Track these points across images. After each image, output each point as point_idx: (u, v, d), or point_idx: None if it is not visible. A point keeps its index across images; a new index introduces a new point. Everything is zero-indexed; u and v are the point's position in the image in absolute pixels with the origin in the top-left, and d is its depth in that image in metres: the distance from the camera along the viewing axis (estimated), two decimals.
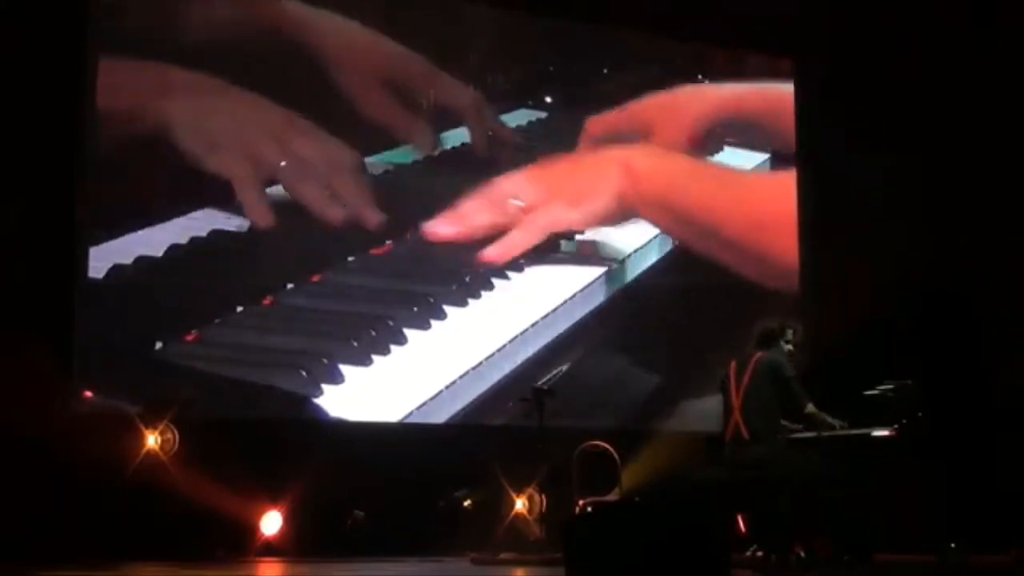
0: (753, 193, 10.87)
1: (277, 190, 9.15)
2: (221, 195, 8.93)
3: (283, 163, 9.09)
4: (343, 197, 9.28)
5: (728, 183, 10.70)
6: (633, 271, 10.25)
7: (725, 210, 10.50)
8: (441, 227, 9.55)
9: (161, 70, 8.79)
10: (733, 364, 7.12)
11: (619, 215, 10.14)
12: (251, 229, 8.99)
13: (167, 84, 8.80)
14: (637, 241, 10.32)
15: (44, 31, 8.57)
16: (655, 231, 10.40)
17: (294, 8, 9.38)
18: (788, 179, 10.95)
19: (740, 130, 10.94)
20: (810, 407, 6.89)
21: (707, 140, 10.72)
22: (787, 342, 7.23)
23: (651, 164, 10.31)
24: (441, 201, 9.73)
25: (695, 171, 10.59)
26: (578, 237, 10.08)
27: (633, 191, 10.15)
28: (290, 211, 9.16)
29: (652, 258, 10.38)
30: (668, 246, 10.49)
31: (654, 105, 10.54)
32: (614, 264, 10.11)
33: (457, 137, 9.96)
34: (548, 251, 9.91)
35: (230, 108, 8.99)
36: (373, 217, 9.32)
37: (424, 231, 9.53)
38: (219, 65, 8.94)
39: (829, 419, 6.93)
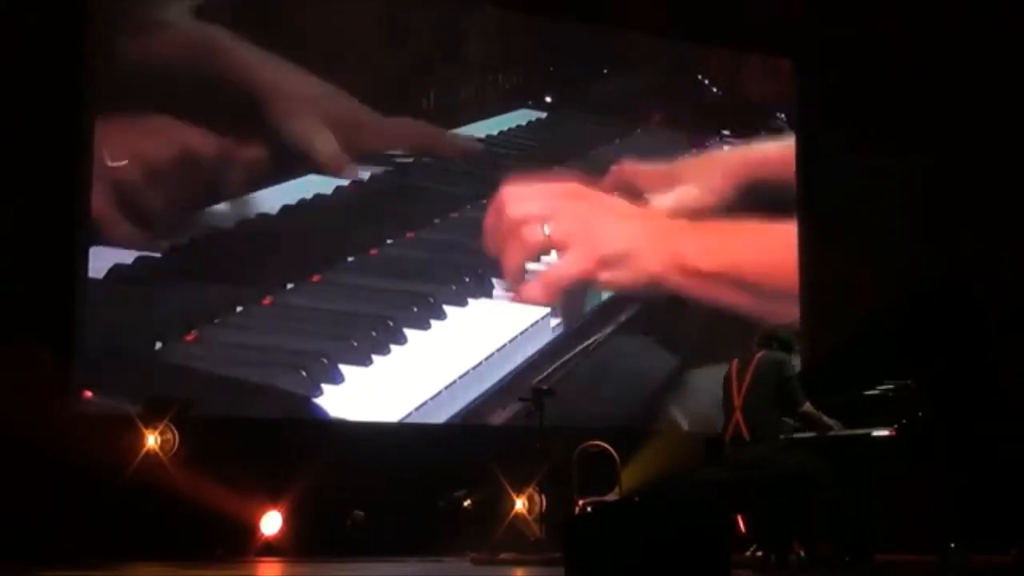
0: (776, 244, 10.77)
1: (277, 191, 9.16)
2: (222, 194, 8.94)
3: None
4: None
5: (759, 239, 10.60)
6: None
7: (756, 265, 10.47)
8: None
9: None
10: (735, 363, 7.12)
11: (651, 286, 10.09)
12: (250, 228, 9.00)
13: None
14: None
15: (44, 31, 8.57)
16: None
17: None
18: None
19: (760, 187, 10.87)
20: (807, 406, 6.90)
21: (734, 198, 10.61)
22: (792, 352, 7.24)
23: (700, 254, 10.20)
24: (441, 201, 9.74)
25: (733, 233, 10.44)
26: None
27: (672, 276, 10.12)
28: (291, 211, 9.17)
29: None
30: None
31: (686, 166, 10.51)
32: None
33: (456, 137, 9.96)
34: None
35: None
36: None
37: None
38: None
39: (825, 419, 6.92)
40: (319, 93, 9.27)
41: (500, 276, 9.56)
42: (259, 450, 8.58)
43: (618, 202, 10.12)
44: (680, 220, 10.30)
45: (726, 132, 10.91)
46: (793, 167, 10.95)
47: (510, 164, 9.98)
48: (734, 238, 10.40)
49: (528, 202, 9.76)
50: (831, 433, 6.93)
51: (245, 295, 8.81)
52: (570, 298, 9.80)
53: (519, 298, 9.52)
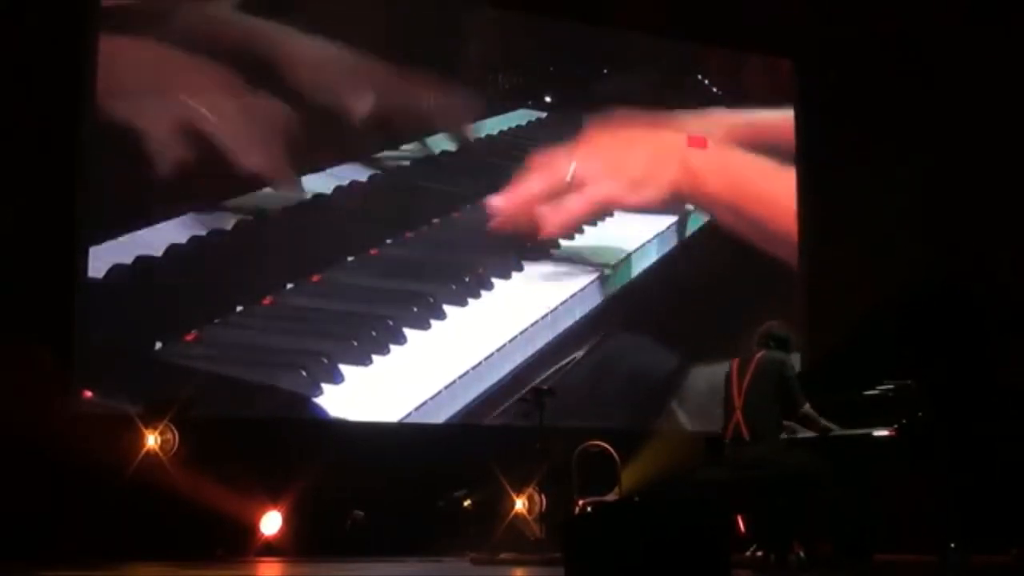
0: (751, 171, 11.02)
1: (276, 190, 9.16)
2: (219, 195, 8.94)
3: None
4: None
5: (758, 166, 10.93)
6: (633, 271, 10.26)
7: (772, 202, 10.84)
8: (500, 201, 9.74)
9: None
10: (735, 362, 7.11)
11: (671, 204, 10.45)
12: (251, 228, 9.00)
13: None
14: (637, 241, 10.32)
15: (44, 30, 8.57)
16: (655, 231, 10.41)
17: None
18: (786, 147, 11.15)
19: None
20: (806, 407, 6.89)
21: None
22: (791, 350, 7.24)
23: (710, 165, 10.57)
24: (441, 201, 9.74)
25: (751, 166, 10.82)
26: (578, 236, 10.09)
27: (689, 188, 10.51)
28: (291, 211, 9.17)
29: (652, 258, 10.38)
30: (668, 246, 10.50)
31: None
32: (614, 264, 10.11)
33: (456, 137, 9.96)
34: (548, 250, 9.92)
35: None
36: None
37: (487, 205, 9.72)
38: None
39: (823, 421, 6.92)
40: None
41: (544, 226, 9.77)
42: (259, 450, 8.58)
43: (635, 132, 10.47)
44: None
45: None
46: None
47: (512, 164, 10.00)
48: (744, 161, 10.78)
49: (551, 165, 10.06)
50: (833, 433, 6.93)
51: (245, 295, 8.81)
52: (583, 295, 9.85)
53: (554, 227, 9.84)
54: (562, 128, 10.31)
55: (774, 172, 10.97)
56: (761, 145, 10.94)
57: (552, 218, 9.87)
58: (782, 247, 10.83)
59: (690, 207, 10.57)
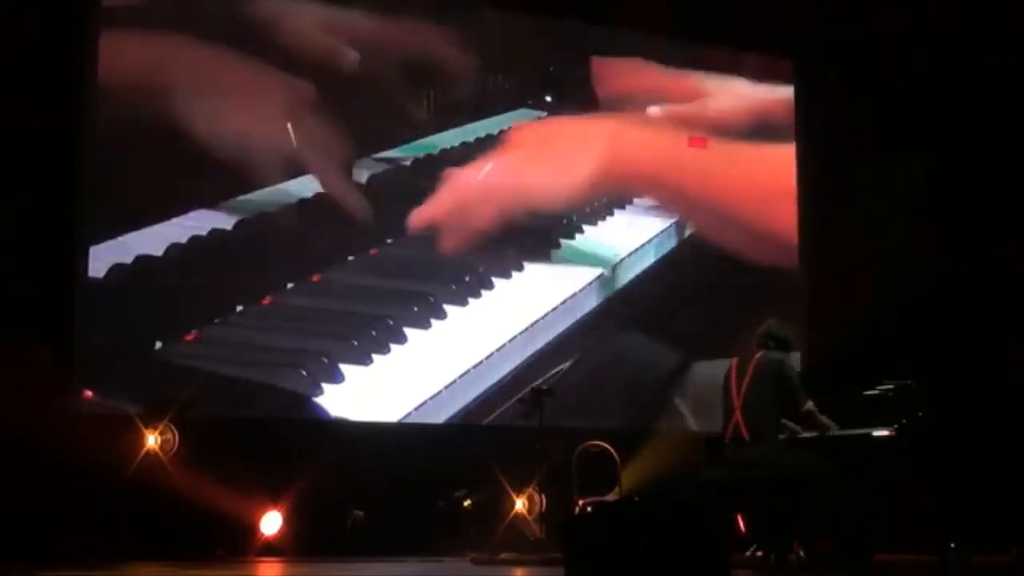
0: (752, 165, 10.83)
1: (277, 191, 9.16)
2: (220, 194, 8.94)
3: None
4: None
5: (726, 156, 10.64)
6: (633, 271, 10.25)
7: (723, 185, 10.50)
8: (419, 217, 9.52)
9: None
10: (735, 362, 7.11)
11: (604, 186, 10.11)
12: (251, 228, 9.00)
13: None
14: (637, 241, 10.32)
15: (44, 30, 8.57)
16: (655, 231, 10.40)
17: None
18: (786, 151, 10.99)
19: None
20: (809, 405, 6.89)
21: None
22: (791, 350, 7.24)
23: (641, 137, 10.30)
24: None
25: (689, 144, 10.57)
26: (579, 236, 10.09)
27: (618, 164, 10.15)
28: (291, 210, 9.17)
29: (652, 258, 10.38)
30: (668, 246, 10.50)
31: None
32: (614, 264, 10.11)
33: (456, 137, 9.96)
34: (549, 250, 9.92)
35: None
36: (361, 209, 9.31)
37: (408, 223, 9.49)
38: None
39: (825, 420, 6.92)
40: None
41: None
42: (259, 450, 8.58)
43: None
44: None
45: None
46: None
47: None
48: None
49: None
50: (831, 433, 6.94)
51: (245, 295, 8.80)
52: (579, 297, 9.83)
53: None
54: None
55: (770, 161, 10.90)
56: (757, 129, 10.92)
57: (461, 232, 9.58)
58: (779, 246, 10.80)
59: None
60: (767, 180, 10.85)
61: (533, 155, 10.00)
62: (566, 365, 9.54)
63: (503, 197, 9.75)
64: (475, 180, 9.72)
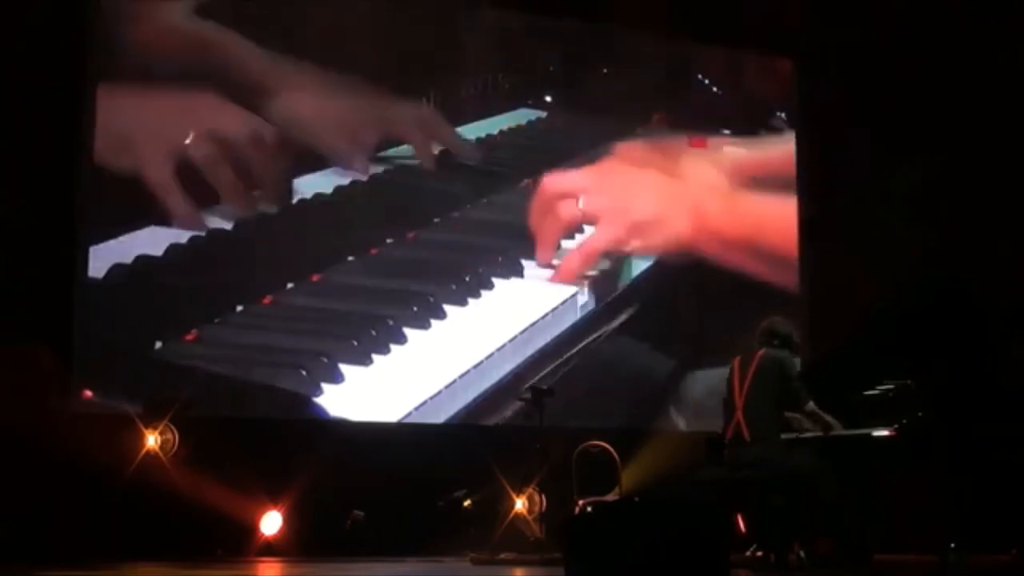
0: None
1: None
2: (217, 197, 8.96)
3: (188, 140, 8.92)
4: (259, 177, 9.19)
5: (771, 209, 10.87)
6: (634, 271, 10.25)
7: (772, 233, 10.72)
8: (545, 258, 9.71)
9: None
10: (737, 361, 7.10)
11: (675, 249, 10.31)
12: (250, 228, 9.00)
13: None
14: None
15: (44, 29, 8.57)
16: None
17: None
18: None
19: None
20: (810, 405, 6.89)
21: None
22: (793, 347, 7.22)
23: (720, 209, 10.46)
24: (441, 200, 9.74)
25: (754, 205, 10.70)
26: (579, 236, 10.08)
27: (698, 234, 10.34)
28: (291, 210, 9.17)
29: (652, 257, 10.37)
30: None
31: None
32: (615, 264, 10.11)
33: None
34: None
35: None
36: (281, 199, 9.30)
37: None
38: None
39: (828, 418, 6.92)
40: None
41: (535, 256, 9.70)
42: (259, 450, 8.58)
43: (647, 173, 10.34)
44: (707, 187, 10.54)
45: (726, 131, 10.91)
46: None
47: (512, 163, 9.99)
48: (757, 207, 10.66)
49: (563, 179, 9.99)
50: (832, 433, 6.93)
51: (245, 295, 8.80)
52: (600, 281, 9.90)
53: (557, 276, 9.67)
54: (561, 132, 10.32)
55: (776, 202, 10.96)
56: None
57: (565, 265, 9.74)
58: (782, 259, 10.82)
59: (695, 253, 10.38)
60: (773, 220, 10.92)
61: (622, 202, 10.16)
62: (566, 365, 9.54)
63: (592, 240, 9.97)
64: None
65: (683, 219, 10.31)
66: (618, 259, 10.13)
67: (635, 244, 10.11)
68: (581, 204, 9.92)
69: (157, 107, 8.81)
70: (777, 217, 10.82)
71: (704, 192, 10.50)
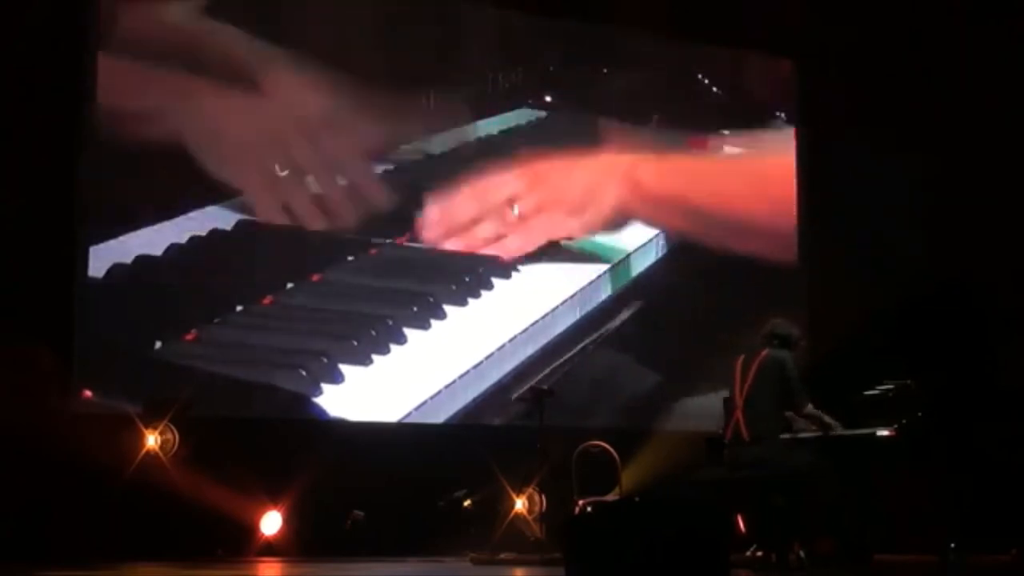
0: (755, 176, 10.91)
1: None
2: (221, 194, 8.94)
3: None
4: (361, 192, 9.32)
5: (731, 172, 10.78)
6: (633, 271, 10.25)
7: (731, 198, 10.59)
8: (438, 233, 9.56)
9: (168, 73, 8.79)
10: (739, 361, 7.10)
11: (618, 221, 10.21)
12: (251, 228, 9.00)
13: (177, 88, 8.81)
14: (637, 240, 10.32)
15: (44, 29, 8.57)
16: (655, 230, 10.41)
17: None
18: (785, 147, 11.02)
19: None
20: (809, 407, 6.89)
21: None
22: (796, 348, 7.22)
23: (654, 171, 10.37)
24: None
25: (698, 168, 10.63)
26: (579, 237, 10.09)
27: (634, 198, 10.26)
28: (291, 210, 9.17)
29: (652, 257, 10.38)
30: (669, 245, 10.49)
31: None
32: (614, 264, 10.11)
33: (455, 138, 9.95)
34: (549, 251, 9.91)
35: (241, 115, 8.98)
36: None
37: (419, 234, 9.51)
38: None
39: (827, 419, 6.92)
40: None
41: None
42: (259, 450, 8.58)
43: (575, 160, 10.28)
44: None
45: (726, 132, 10.91)
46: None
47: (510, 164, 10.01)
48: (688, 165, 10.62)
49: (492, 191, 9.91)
50: (833, 433, 6.93)
51: (245, 295, 8.80)
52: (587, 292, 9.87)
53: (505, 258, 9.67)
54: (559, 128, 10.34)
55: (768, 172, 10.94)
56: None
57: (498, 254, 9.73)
58: (781, 246, 10.81)
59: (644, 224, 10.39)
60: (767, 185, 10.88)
61: (554, 194, 10.10)
62: (566, 365, 9.54)
63: (534, 231, 9.93)
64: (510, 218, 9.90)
65: (616, 188, 10.26)
66: (618, 259, 10.12)
67: (573, 224, 10.07)
68: (516, 212, 9.89)
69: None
70: (711, 175, 10.75)
71: (635, 159, 10.44)
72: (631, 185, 10.29)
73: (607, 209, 10.19)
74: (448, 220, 9.64)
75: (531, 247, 9.82)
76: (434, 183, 9.72)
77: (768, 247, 10.69)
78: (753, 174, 10.94)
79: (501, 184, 9.91)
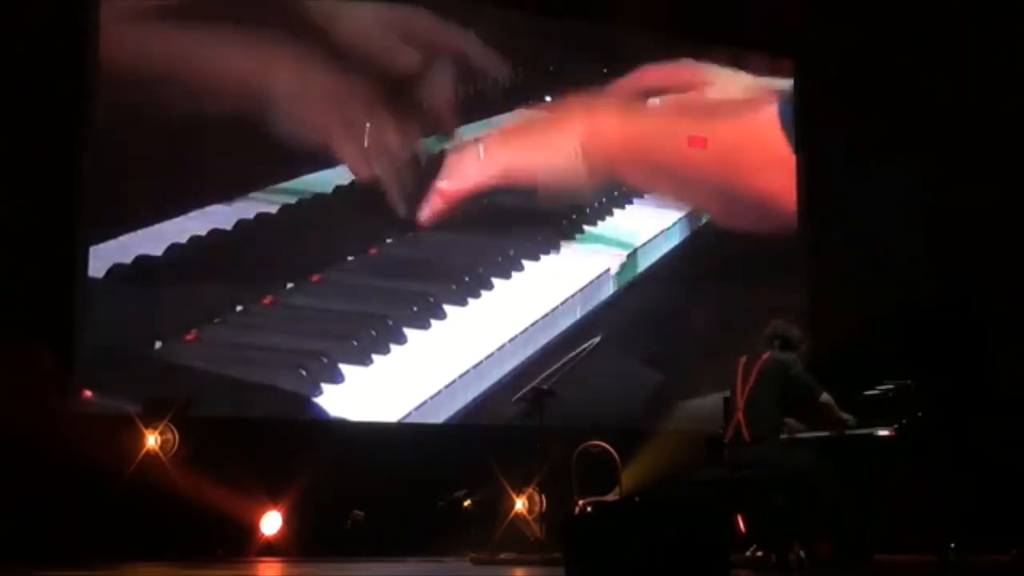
0: (740, 130, 10.84)
1: (276, 189, 9.16)
2: (221, 194, 8.94)
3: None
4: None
5: (712, 124, 10.69)
6: (633, 271, 10.26)
7: (710, 156, 10.51)
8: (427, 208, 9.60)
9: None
10: (741, 362, 7.10)
11: (585, 168, 10.13)
12: (250, 228, 9.00)
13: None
14: (637, 240, 10.32)
15: (44, 29, 8.57)
16: (655, 231, 10.40)
17: None
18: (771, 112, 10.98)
19: None
20: (825, 396, 6.87)
21: None
22: (799, 349, 7.22)
23: (616, 115, 10.33)
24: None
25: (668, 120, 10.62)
26: (579, 236, 10.09)
27: (595, 143, 10.19)
28: (291, 210, 9.17)
29: (652, 258, 10.38)
30: (668, 246, 10.49)
31: None
32: (618, 262, 10.12)
33: (455, 137, 9.95)
34: (549, 248, 9.92)
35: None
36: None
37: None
38: None
39: (839, 413, 6.89)
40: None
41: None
42: (259, 450, 8.58)
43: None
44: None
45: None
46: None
47: None
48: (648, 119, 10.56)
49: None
50: (832, 433, 6.93)
51: (245, 295, 8.80)
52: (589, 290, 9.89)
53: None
54: None
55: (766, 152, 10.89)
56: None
57: (448, 185, 9.70)
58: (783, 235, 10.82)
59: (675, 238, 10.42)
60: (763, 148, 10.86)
61: (521, 145, 10.08)
62: (567, 364, 9.53)
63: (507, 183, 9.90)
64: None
65: (576, 130, 10.20)
66: (619, 258, 10.13)
67: (535, 160, 10.02)
68: (482, 152, 9.88)
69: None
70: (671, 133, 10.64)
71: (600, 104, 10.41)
72: (592, 129, 10.22)
73: (568, 150, 10.12)
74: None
75: (488, 174, 9.76)
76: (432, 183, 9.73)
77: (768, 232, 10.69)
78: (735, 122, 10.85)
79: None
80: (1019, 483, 7.86)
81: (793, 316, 9.19)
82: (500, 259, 9.64)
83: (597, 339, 9.23)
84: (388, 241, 9.45)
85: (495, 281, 9.49)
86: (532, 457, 8.56)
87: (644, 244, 10.34)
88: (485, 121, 10.08)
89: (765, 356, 7.02)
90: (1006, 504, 7.82)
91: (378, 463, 8.80)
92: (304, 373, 8.59)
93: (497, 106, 10.15)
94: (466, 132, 9.96)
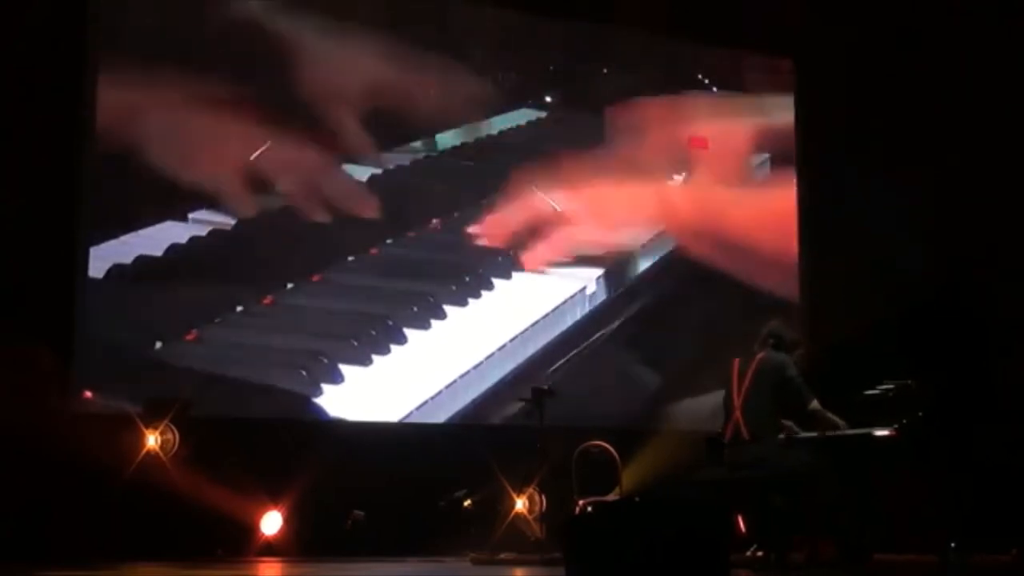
0: (777, 208, 10.95)
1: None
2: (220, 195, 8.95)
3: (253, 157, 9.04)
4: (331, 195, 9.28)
5: (761, 205, 10.86)
6: (634, 271, 10.26)
7: (759, 230, 10.67)
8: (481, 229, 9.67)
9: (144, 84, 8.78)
10: (736, 363, 7.11)
11: (655, 241, 10.35)
12: (250, 228, 9.00)
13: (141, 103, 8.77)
14: (637, 241, 10.32)
15: (44, 29, 8.57)
16: (654, 232, 10.41)
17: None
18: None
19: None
20: (814, 403, 6.88)
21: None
22: (794, 351, 7.22)
23: (691, 198, 10.49)
24: (441, 200, 9.75)
25: (733, 200, 10.69)
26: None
27: (670, 223, 10.37)
28: (291, 210, 9.17)
29: (653, 257, 10.38)
30: (669, 246, 10.49)
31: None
32: (616, 264, 10.11)
33: (456, 137, 9.96)
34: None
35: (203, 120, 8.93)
36: (367, 208, 9.34)
37: (466, 233, 9.63)
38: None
39: (832, 417, 6.91)
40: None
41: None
42: (259, 450, 8.58)
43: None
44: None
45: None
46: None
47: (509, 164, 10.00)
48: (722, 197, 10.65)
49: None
50: (832, 433, 6.93)
51: (245, 295, 8.81)
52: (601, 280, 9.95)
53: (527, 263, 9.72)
54: (560, 130, 10.33)
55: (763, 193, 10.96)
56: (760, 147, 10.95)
57: (534, 254, 9.77)
58: (781, 258, 10.82)
59: (672, 241, 10.44)
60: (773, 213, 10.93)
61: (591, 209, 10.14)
62: (567, 364, 9.54)
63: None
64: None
65: (653, 211, 10.35)
66: (620, 259, 10.14)
67: (607, 240, 10.09)
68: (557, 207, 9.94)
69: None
70: (742, 207, 10.73)
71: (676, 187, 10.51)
72: (668, 211, 10.42)
73: (642, 231, 10.31)
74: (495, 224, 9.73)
75: (558, 257, 9.86)
76: (434, 183, 9.73)
77: (770, 264, 10.70)
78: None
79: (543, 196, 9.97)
80: (1019, 483, 7.85)
81: (793, 316, 9.27)
82: (500, 259, 9.65)
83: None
84: (388, 241, 9.45)
85: (495, 281, 9.49)
86: (532, 457, 8.56)
87: (644, 244, 10.34)
88: (486, 122, 10.09)
89: (759, 356, 7.03)
90: (1006, 504, 7.81)
91: (378, 463, 8.80)
92: (304, 373, 8.59)
93: (497, 107, 10.16)
94: (467, 132, 9.97)
